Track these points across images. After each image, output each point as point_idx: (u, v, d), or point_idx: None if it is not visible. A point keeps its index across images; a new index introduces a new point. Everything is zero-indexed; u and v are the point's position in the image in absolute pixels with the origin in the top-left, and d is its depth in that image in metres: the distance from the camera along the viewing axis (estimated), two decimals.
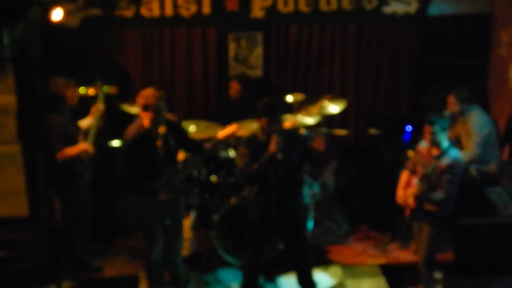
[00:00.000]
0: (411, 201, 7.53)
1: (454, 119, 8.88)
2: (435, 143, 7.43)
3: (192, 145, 7.82)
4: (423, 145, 7.64)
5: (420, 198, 7.43)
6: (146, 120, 7.27)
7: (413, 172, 7.73)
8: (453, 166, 7.32)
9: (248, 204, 7.48)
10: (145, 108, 7.21)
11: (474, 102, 8.86)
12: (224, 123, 8.94)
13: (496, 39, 10.05)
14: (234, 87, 9.58)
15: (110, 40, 9.91)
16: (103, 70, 9.50)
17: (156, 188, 7.27)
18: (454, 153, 7.42)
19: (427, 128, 7.42)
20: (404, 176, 7.82)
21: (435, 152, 7.47)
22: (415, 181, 7.60)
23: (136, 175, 7.34)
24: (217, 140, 7.65)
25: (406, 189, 7.67)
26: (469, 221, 7.17)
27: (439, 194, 7.31)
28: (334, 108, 9.12)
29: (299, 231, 7.58)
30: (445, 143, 7.44)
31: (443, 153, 7.40)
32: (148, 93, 7.22)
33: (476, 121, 8.67)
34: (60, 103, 7.85)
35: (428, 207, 7.46)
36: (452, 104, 8.77)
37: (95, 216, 8.48)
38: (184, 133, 7.78)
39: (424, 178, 7.44)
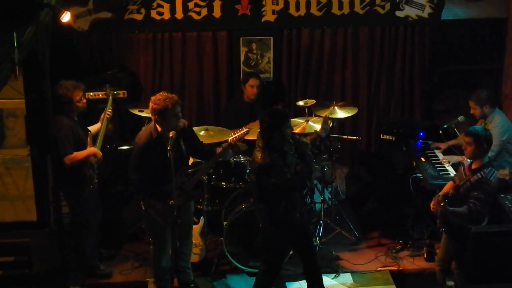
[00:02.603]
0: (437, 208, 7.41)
1: (475, 121, 8.80)
2: (474, 157, 7.25)
3: (203, 151, 7.78)
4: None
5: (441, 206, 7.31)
6: (167, 126, 7.21)
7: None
8: (481, 182, 7.12)
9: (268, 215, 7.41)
10: (159, 113, 7.15)
11: (495, 103, 8.76)
12: (235, 127, 8.90)
13: (510, 44, 9.96)
14: (254, 83, 9.43)
15: (120, 44, 9.86)
16: (113, 73, 9.46)
17: (168, 193, 7.23)
18: (489, 170, 7.19)
19: (464, 139, 7.29)
20: (447, 186, 7.63)
21: (474, 165, 7.30)
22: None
23: (148, 179, 7.30)
24: (227, 145, 7.59)
25: None
26: (482, 229, 7.09)
27: (461, 208, 7.14)
28: (343, 114, 9.06)
29: (309, 236, 7.58)
30: (486, 159, 7.27)
31: (479, 168, 7.22)
32: (162, 98, 7.17)
33: (498, 126, 8.56)
34: (69, 106, 7.81)
35: (456, 220, 7.30)
36: (473, 108, 8.67)
37: (104, 221, 8.44)
38: (195, 138, 7.74)
39: (454, 189, 7.28)
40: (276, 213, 7.20)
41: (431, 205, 7.29)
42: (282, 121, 7.05)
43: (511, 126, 8.74)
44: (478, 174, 7.14)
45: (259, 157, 7.11)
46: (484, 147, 7.19)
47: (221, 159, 7.71)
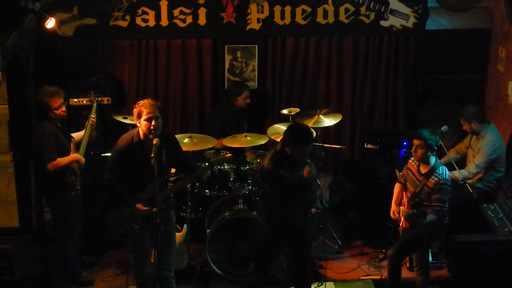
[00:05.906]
0: (403, 221, 7.57)
1: (462, 135, 8.88)
2: (424, 160, 7.42)
3: (185, 165, 7.73)
4: (412, 160, 7.65)
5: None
6: (142, 130, 7.17)
7: (404, 188, 7.72)
8: (441, 184, 7.31)
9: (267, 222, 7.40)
10: (136, 116, 7.14)
11: (483, 118, 8.80)
12: (219, 135, 8.90)
13: (494, 54, 10.01)
14: (247, 95, 9.43)
15: (104, 50, 9.83)
16: (97, 80, 9.45)
17: (137, 200, 7.21)
18: (442, 170, 7.39)
19: (414, 142, 7.42)
20: (396, 189, 7.85)
21: (423, 169, 7.44)
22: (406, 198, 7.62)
23: (121, 183, 7.24)
24: (208, 166, 7.74)
25: (399, 206, 7.69)
26: (464, 238, 7.10)
27: (430, 217, 7.35)
28: (329, 121, 9.08)
29: (305, 245, 7.63)
30: (432, 159, 7.41)
31: (431, 170, 7.36)
32: (141, 102, 7.17)
33: (489, 144, 8.59)
34: (49, 112, 7.75)
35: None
36: (463, 124, 8.77)
37: (86, 227, 8.40)
38: (179, 150, 7.63)
39: (413, 197, 7.44)
40: (272, 215, 7.24)
41: (401, 218, 7.51)
42: (304, 139, 7.04)
43: (502, 145, 8.78)
44: (434, 177, 7.35)
45: (267, 161, 7.19)
46: (433, 149, 7.41)
47: (197, 179, 7.81)
